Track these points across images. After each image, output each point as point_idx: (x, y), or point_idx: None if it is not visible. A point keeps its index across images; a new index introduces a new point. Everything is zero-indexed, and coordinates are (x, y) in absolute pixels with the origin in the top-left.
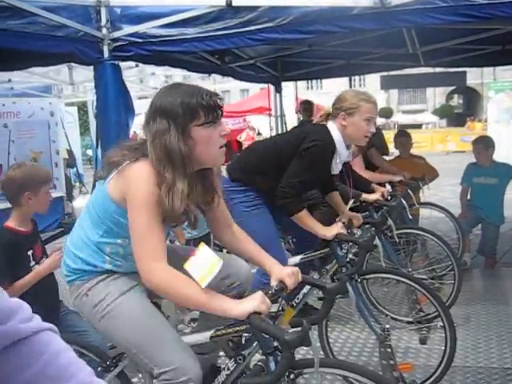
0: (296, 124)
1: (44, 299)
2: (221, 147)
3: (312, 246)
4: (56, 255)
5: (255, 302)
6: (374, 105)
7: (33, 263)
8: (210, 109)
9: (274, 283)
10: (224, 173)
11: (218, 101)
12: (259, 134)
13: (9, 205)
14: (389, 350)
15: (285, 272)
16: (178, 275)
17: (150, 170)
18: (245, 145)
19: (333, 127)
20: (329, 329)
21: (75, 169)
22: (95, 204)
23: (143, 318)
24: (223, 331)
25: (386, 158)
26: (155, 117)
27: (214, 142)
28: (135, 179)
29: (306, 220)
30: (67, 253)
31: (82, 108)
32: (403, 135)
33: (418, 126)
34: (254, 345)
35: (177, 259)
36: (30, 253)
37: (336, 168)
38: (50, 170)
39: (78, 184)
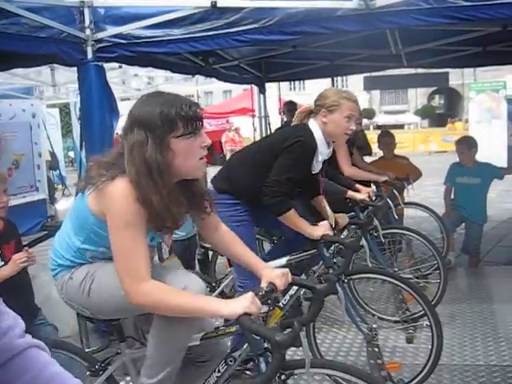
0: (280, 125)
1: (19, 298)
2: (201, 158)
3: (298, 246)
4: (17, 257)
5: (245, 302)
6: (356, 103)
7: (1, 263)
8: (190, 120)
9: (264, 285)
10: (209, 185)
11: (198, 111)
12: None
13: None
14: (376, 349)
15: (275, 273)
16: (164, 289)
17: (128, 186)
18: (225, 146)
19: (314, 125)
20: (316, 329)
21: (58, 171)
22: (76, 211)
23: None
24: (213, 333)
25: (370, 158)
26: (133, 128)
27: (194, 153)
28: (114, 199)
29: (294, 219)
30: (54, 250)
31: (64, 110)
32: (387, 135)
33: (400, 127)
34: (245, 346)
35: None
36: None
37: (316, 166)
38: (32, 173)
39: (60, 186)
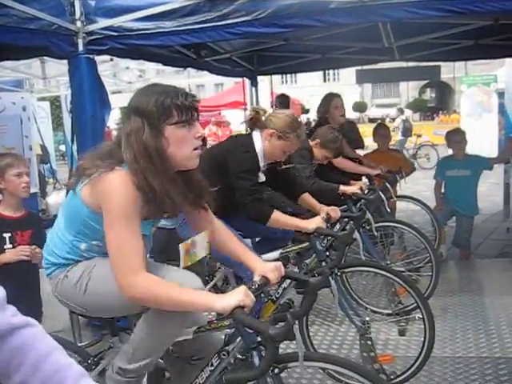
0: None
1: (23, 288)
2: (195, 149)
3: (278, 242)
4: (21, 248)
5: (239, 296)
6: (299, 141)
7: (9, 246)
8: (185, 109)
9: (257, 278)
10: None
11: (194, 102)
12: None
13: None
14: (369, 342)
15: (267, 267)
16: (159, 282)
17: (127, 177)
18: (208, 141)
19: (257, 138)
20: (309, 322)
21: (49, 165)
22: (69, 206)
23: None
24: (207, 327)
25: (362, 151)
26: (130, 116)
27: (188, 142)
28: (113, 190)
29: (283, 220)
30: (47, 248)
31: (55, 103)
32: (383, 128)
33: (391, 120)
34: (238, 340)
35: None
36: (6, 235)
37: (262, 176)
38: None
39: (51, 180)
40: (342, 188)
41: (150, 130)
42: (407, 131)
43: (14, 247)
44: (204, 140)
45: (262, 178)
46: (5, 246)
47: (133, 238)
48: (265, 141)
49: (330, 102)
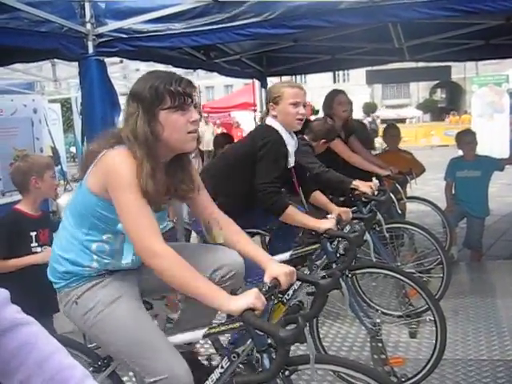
0: None
1: (38, 293)
2: (189, 132)
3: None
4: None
5: (249, 298)
6: (298, 89)
7: (35, 244)
8: (178, 94)
9: (267, 279)
10: None
11: (188, 88)
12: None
13: (14, 198)
14: (380, 344)
15: (280, 270)
16: (179, 259)
17: (127, 152)
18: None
19: (271, 121)
20: (319, 323)
21: (60, 166)
22: (77, 202)
23: (134, 327)
24: (217, 329)
25: (372, 153)
26: (129, 101)
27: (181, 126)
28: (115, 164)
29: (296, 216)
30: (53, 257)
31: (65, 105)
32: (393, 128)
33: (402, 121)
34: (248, 342)
35: None
36: (33, 234)
37: (291, 160)
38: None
39: (62, 182)
40: (356, 183)
41: (143, 115)
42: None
43: (39, 245)
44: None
45: (292, 162)
46: (31, 244)
47: (144, 205)
48: (275, 118)
49: (334, 98)
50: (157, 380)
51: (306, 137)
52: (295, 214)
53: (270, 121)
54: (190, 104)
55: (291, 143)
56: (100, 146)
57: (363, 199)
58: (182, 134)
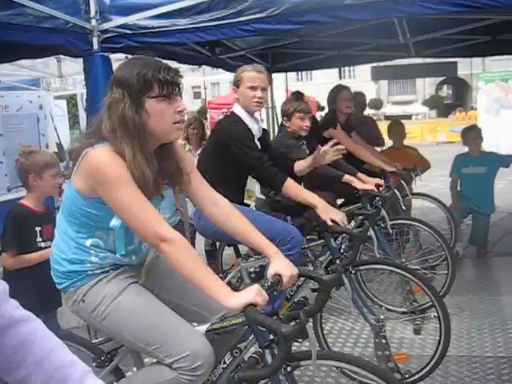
0: None
1: (41, 288)
2: (175, 123)
3: None
4: None
5: (251, 294)
6: (256, 72)
7: (39, 239)
8: (166, 83)
9: (270, 275)
10: None
11: (176, 77)
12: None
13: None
14: (384, 340)
15: (285, 270)
16: (190, 246)
17: (109, 150)
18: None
19: (237, 107)
20: (323, 320)
21: (65, 163)
22: (65, 202)
23: (146, 312)
24: (219, 325)
25: (379, 149)
26: (112, 87)
27: (168, 116)
28: (99, 166)
29: (297, 190)
30: (53, 259)
31: (71, 101)
32: (398, 124)
33: (408, 117)
34: (250, 338)
35: None
36: (37, 229)
37: (258, 144)
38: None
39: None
40: (347, 178)
41: (130, 102)
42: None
43: (43, 241)
44: None
45: (258, 145)
46: (36, 239)
47: (140, 199)
48: (238, 101)
49: (338, 93)
50: (178, 358)
51: (286, 124)
52: (296, 188)
53: (235, 107)
54: (177, 93)
55: (255, 127)
56: (82, 145)
57: (368, 195)
58: (168, 123)
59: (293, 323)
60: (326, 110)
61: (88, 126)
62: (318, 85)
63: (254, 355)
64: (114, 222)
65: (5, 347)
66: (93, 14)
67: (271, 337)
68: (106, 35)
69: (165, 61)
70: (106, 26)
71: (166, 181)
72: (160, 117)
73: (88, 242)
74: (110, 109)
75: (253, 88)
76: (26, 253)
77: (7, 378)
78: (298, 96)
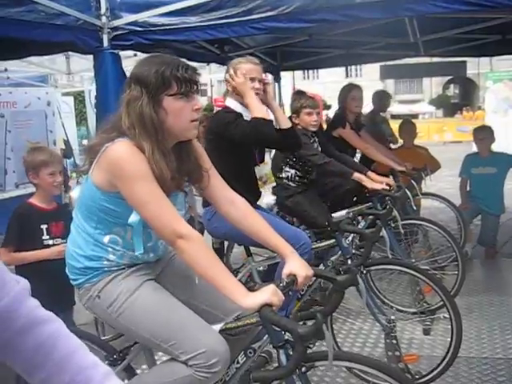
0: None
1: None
2: (193, 121)
3: None
4: (62, 246)
5: (267, 294)
6: (253, 64)
7: (46, 237)
8: (184, 81)
9: (285, 275)
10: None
11: (194, 75)
12: None
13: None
14: (394, 341)
15: (301, 271)
16: (207, 244)
17: (130, 145)
18: None
19: (230, 101)
20: (332, 320)
21: (72, 159)
22: (83, 197)
23: (161, 308)
24: (233, 324)
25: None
26: (130, 84)
27: (185, 114)
28: (119, 160)
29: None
30: (69, 255)
31: (78, 98)
32: (409, 123)
33: (415, 116)
34: (265, 338)
35: None
36: (44, 227)
37: None
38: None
39: (74, 175)
40: (357, 175)
41: (149, 100)
42: None
43: (51, 238)
44: None
45: None
46: (42, 237)
47: (159, 194)
48: (232, 94)
49: (349, 92)
50: (194, 355)
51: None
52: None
53: (228, 101)
54: (195, 91)
55: (249, 116)
56: (101, 140)
57: (378, 195)
58: (185, 121)
59: (309, 324)
60: (333, 108)
61: (106, 123)
62: (325, 83)
63: (263, 354)
64: (133, 218)
65: (26, 348)
66: (103, 11)
67: (286, 337)
68: (116, 32)
69: None
70: (116, 23)
71: (186, 178)
72: (178, 115)
73: (106, 239)
74: (129, 106)
75: (251, 80)
76: (29, 250)
77: (30, 380)
78: (301, 94)
